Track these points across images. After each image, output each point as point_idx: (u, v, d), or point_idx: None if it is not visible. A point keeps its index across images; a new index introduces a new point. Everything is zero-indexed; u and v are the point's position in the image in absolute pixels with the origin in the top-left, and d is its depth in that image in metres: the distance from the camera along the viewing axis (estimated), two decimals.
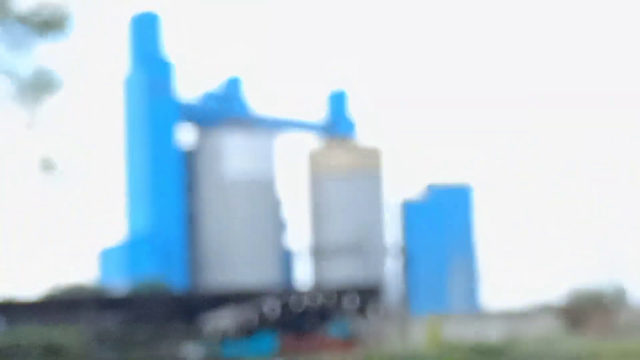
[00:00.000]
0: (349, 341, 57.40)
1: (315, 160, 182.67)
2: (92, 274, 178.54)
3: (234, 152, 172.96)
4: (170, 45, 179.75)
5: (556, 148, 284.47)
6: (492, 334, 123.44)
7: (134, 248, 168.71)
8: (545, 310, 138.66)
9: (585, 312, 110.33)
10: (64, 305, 54.14)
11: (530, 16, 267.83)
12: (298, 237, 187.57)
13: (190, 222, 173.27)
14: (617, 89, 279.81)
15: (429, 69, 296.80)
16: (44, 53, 26.68)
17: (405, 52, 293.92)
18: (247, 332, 46.98)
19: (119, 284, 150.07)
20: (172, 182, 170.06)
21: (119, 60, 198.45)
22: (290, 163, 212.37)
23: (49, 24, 25.80)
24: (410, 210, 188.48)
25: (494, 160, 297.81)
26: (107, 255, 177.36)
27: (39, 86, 26.67)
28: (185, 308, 53.89)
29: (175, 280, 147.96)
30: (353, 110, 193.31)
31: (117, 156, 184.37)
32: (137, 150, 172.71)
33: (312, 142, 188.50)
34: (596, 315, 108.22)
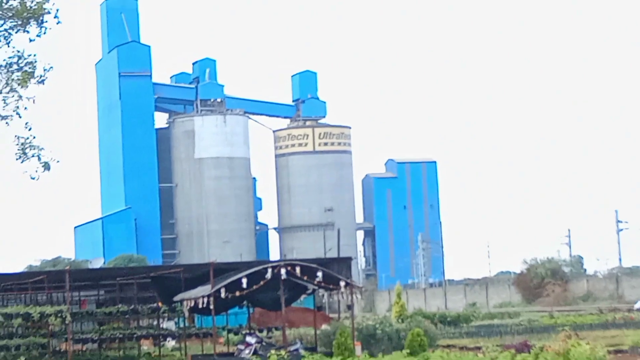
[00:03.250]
0: (320, 314, 57.63)
1: (283, 140, 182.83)
2: (69, 249, 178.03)
3: (207, 132, 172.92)
4: (145, 28, 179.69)
5: (518, 122, 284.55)
6: (455, 302, 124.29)
7: (108, 224, 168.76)
8: (504, 280, 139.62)
9: (542, 281, 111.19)
10: (43, 280, 53.97)
11: None
12: (270, 213, 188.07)
13: (164, 199, 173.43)
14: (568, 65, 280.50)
15: (396, 48, 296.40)
16: (23, 39, 26.70)
17: (372, 31, 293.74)
18: (221, 306, 47.01)
19: (95, 260, 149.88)
20: (146, 161, 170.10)
21: (93, 44, 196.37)
22: (261, 142, 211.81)
23: (30, 15, 25.83)
24: (377, 185, 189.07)
25: (458, 135, 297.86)
26: (82, 231, 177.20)
27: (21, 72, 26.69)
28: (161, 284, 53.85)
29: (149, 256, 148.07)
30: (322, 89, 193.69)
31: (92, 136, 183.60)
32: (112, 130, 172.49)
33: (281, 121, 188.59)
34: (552, 284, 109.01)
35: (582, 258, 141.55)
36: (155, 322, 54.88)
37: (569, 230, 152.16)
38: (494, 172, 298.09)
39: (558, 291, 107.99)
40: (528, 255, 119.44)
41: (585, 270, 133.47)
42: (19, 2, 25.70)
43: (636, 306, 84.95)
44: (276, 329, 51.83)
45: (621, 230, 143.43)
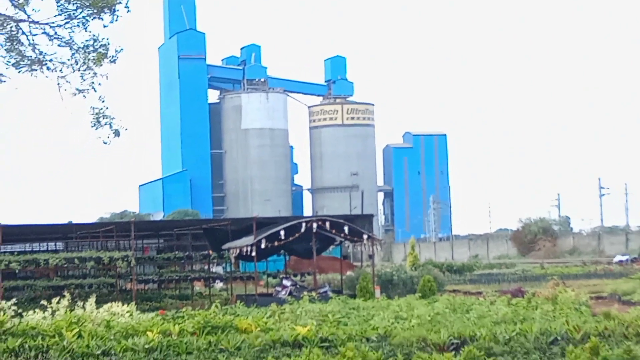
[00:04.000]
0: (345, 262, 57.70)
1: (316, 114, 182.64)
2: (134, 204, 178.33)
3: (252, 107, 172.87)
4: (200, 16, 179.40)
5: (515, 102, 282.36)
6: (460, 254, 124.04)
7: (167, 184, 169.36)
8: (502, 235, 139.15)
9: (535, 237, 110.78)
10: (112, 229, 54.27)
11: None
12: (304, 177, 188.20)
13: (214, 163, 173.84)
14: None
15: (415, 34, 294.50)
16: (98, 25, 26.77)
17: (393, 21, 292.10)
18: (262, 254, 47.09)
19: (156, 213, 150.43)
20: (200, 131, 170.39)
21: (156, 30, 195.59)
22: (297, 116, 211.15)
23: (104, 4, 25.89)
24: (396, 154, 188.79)
25: (465, 112, 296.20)
26: (145, 189, 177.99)
27: (95, 53, 26.77)
28: (211, 235, 54.01)
29: (202, 211, 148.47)
30: (350, 72, 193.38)
31: (155, 109, 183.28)
32: (172, 105, 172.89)
33: (315, 99, 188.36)
34: (543, 240, 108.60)
35: (569, 218, 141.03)
36: (206, 267, 55.18)
37: (558, 194, 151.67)
38: (495, 143, 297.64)
39: (548, 246, 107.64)
40: (523, 215, 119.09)
41: (571, 228, 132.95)
42: None
43: (615, 260, 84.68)
44: (308, 274, 51.96)
45: (603, 195, 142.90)
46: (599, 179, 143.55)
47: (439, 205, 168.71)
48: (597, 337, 17.99)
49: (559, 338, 19.50)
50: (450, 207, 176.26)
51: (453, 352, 18.19)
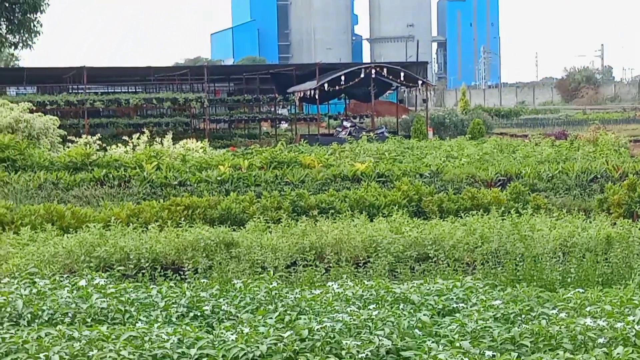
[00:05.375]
0: (401, 106, 57.46)
1: None
2: (206, 51, 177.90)
3: None
4: None
5: None
6: (508, 101, 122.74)
7: (237, 33, 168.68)
8: (548, 83, 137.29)
9: (578, 85, 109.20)
10: (187, 73, 54.40)
11: None
12: (364, 27, 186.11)
13: (280, 14, 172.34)
14: None
15: None
16: None
17: None
18: (324, 97, 47.06)
19: (226, 60, 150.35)
20: None
21: None
22: None
23: None
24: (450, 7, 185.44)
25: None
26: (216, 38, 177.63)
27: None
28: (278, 79, 53.93)
29: (269, 58, 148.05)
30: None
31: None
32: None
33: None
34: (586, 88, 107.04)
35: (611, 68, 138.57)
36: (272, 109, 55.32)
37: (602, 44, 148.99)
38: None
39: (591, 93, 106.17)
40: (568, 65, 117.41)
41: (613, 77, 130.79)
42: None
43: None
44: (366, 116, 51.93)
45: None
46: None
47: (489, 55, 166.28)
48: (635, 176, 17.80)
49: (599, 176, 19.38)
50: (500, 56, 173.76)
51: (499, 188, 18.16)
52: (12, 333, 6.22)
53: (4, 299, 7.30)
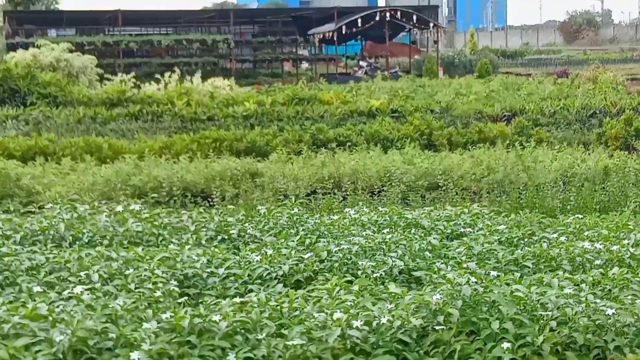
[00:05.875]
0: (413, 47, 56.98)
1: None
2: None
3: None
4: None
5: None
6: (513, 42, 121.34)
7: None
8: (551, 26, 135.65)
9: (579, 28, 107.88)
10: (214, 16, 54.06)
11: None
12: None
13: None
14: None
15: None
16: None
17: None
18: (342, 39, 46.73)
19: (251, 3, 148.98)
20: None
21: None
22: None
23: None
24: None
25: None
26: None
27: None
28: (299, 22, 53.51)
29: (290, 2, 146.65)
30: None
31: None
32: None
33: None
34: (587, 30, 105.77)
35: (610, 11, 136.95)
36: (294, 49, 54.97)
37: None
38: None
39: (591, 35, 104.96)
40: (570, 8, 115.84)
41: (612, 20, 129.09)
42: None
43: None
44: (381, 57, 51.57)
45: None
46: None
47: None
48: (631, 111, 17.66)
49: (598, 112, 19.25)
50: (506, 0, 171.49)
51: (505, 122, 18.08)
52: (55, 253, 6.30)
53: (48, 223, 7.38)
